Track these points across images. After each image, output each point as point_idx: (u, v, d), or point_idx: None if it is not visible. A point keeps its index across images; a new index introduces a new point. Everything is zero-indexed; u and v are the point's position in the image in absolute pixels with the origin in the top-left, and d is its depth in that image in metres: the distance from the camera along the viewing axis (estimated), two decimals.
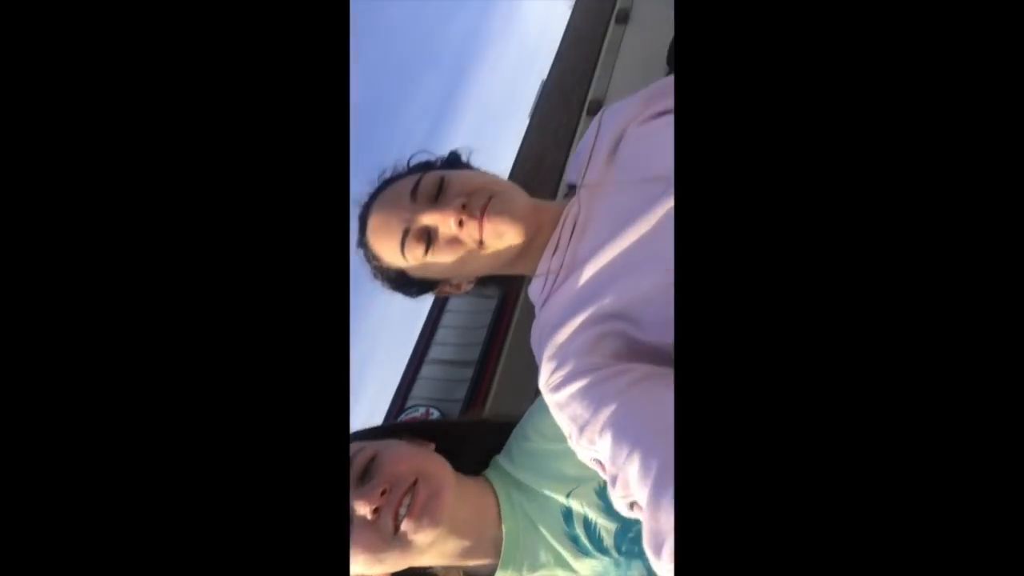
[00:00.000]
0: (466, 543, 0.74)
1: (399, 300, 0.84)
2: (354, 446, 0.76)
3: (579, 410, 0.64)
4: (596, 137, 0.83)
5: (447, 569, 0.76)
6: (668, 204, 0.66)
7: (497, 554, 0.75)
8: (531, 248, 0.78)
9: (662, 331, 0.64)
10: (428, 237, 0.75)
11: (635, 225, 0.68)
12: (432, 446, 0.81)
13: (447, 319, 3.72)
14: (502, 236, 0.74)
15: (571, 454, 0.67)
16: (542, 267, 0.78)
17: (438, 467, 0.74)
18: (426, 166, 0.83)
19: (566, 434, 0.66)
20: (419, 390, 3.56)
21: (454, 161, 0.86)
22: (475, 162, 0.88)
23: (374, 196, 0.81)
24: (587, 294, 0.71)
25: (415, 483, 0.70)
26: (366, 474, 0.71)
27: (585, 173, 0.81)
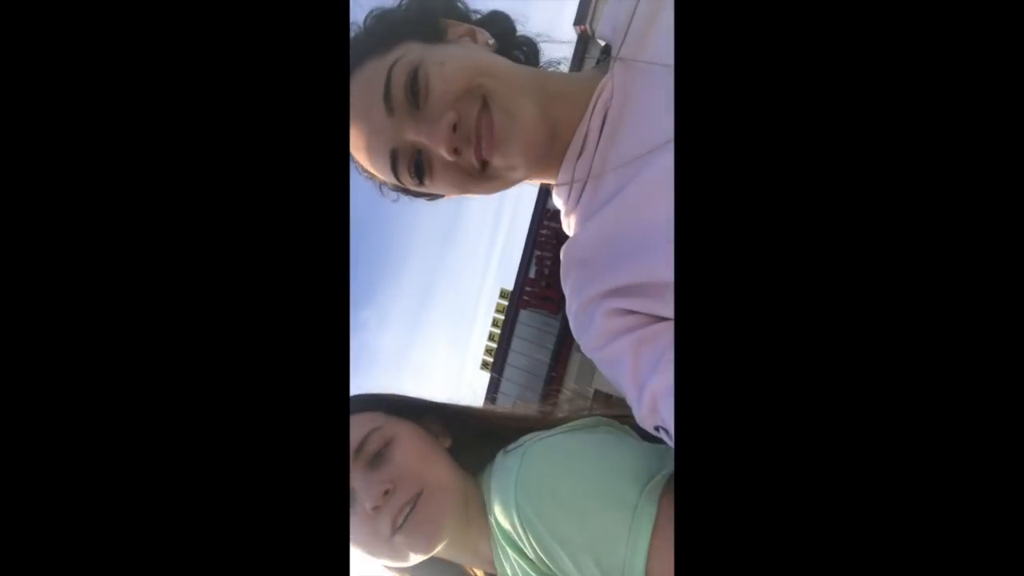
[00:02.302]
0: (462, 555, 0.72)
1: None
2: (373, 419, 0.73)
3: (630, 376, 0.56)
4: None
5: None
6: None
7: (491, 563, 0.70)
8: (552, 150, 0.61)
9: None
10: (420, 162, 0.59)
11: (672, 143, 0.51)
12: (448, 443, 0.77)
13: None
14: (510, 164, 0.58)
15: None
16: (565, 175, 0.63)
17: (445, 482, 0.70)
18: (390, 36, 0.60)
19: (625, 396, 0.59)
20: None
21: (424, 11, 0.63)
22: None
23: None
24: (614, 249, 0.58)
25: (419, 495, 0.67)
26: (377, 458, 0.69)
27: (626, 35, 0.61)
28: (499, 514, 0.64)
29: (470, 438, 0.77)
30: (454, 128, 0.56)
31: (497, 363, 9.47)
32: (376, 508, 0.66)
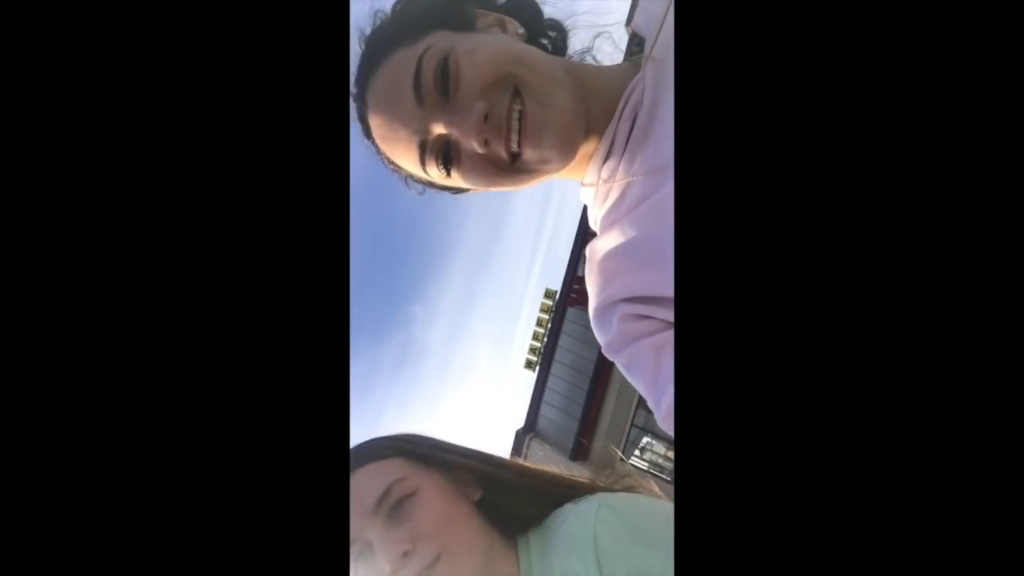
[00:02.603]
0: None
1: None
2: (399, 467, 0.71)
3: (650, 381, 0.56)
4: None
5: None
6: None
7: None
8: (584, 145, 0.60)
9: None
10: (448, 154, 0.58)
11: None
12: (479, 495, 0.74)
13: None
14: (543, 157, 0.56)
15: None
16: (592, 175, 0.63)
17: (467, 544, 0.67)
18: (420, 24, 0.59)
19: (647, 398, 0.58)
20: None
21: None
22: None
23: (366, 74, 0.60)
24: (634, 259, 0.58)
25: (438, 558, 0.64)
26: (398, 513, 0.67)
27: (659, 31, 0.59)
28: (569, 553, 0.62)
29: (499, 500, 0.75)
30: (485, 118, 0.54)
31: (545, 360, 9.48)
32: (394, 571, 0.64)
